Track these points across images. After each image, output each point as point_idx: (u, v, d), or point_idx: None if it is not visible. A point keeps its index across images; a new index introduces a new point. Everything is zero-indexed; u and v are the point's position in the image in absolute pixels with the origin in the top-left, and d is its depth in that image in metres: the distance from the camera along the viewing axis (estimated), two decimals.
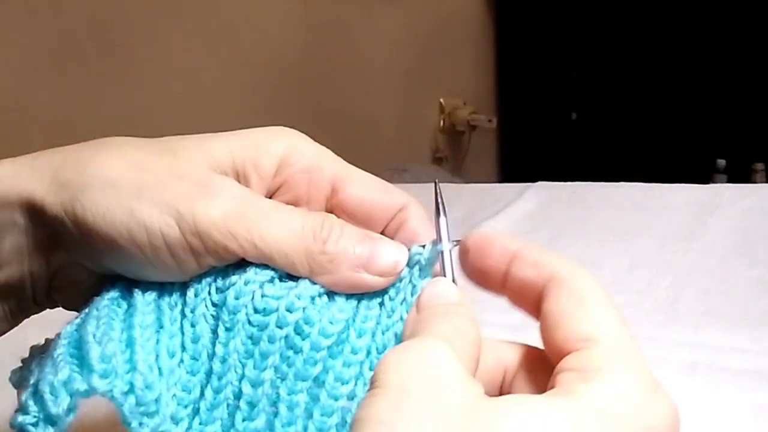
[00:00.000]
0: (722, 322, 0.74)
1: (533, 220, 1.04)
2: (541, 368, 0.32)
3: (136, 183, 0.34)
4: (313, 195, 0.38)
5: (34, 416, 0.32)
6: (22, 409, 0.33)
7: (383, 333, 0.34)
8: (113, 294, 0.36)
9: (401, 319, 0.35)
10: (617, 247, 0.93)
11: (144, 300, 0.35)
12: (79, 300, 0.37)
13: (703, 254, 0.89)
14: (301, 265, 0.34)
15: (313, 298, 0.34)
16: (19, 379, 0.38)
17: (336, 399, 0.33)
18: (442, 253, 0.35)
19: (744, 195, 1.04)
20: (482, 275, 0.34)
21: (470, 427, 0.26)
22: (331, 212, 0.38)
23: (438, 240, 0.36)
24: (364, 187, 0.39)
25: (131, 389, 0.32)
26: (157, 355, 0.34)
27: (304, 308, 0.34)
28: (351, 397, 0.33)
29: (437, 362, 0.28)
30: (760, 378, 0.64)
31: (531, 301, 0.33)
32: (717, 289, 0.81)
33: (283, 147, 0.38)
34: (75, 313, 0.37)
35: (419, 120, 2.54)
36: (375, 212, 0.38)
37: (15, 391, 0.74)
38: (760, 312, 0.76)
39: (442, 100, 2.59)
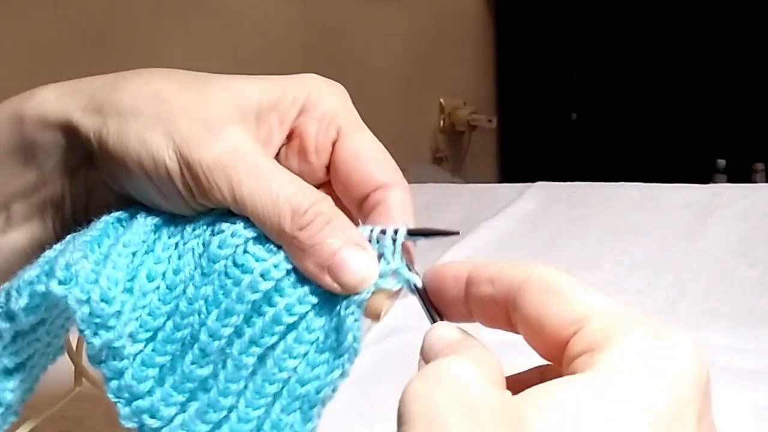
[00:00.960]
0: (722, 322, 0.74)
1: (533, 220, 1.04)
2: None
3: (154, 113, 0.35)
4: (321, 143, 0.38)
5: (1, 307, 0.35)
6: None
7: (337, 321, 0.34)
8: (119, 214, 0.37)
9: (356, 318, 0.34)
10: (617, 247, 0.93)
11: (142, 222, 0.36)
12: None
13: (703, 254, 0.89)
14: (272, 237, 0.34)
15: (289, 272, 0.34)
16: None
17: (281, 370, 0.34)
18: (421, 296, 0.35)
19: (744, 195, 1.04)
20: (448, 310, 0.34)
21: (507, 425, 0.25)
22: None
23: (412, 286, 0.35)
24: (356, 150, 0.38)
25: (87, 300, 0.33)
26: (135, 275, 0.35)
27: (278, 280, 0.34)
28: (293, 370, 0.34)
29: (457, 377, 0.27)
30: (760, 378, 0.64)
31: (501, 316, 0.32)
32: (717, 289, 0.81)
33: (306, 94, 0.38)
34: None
35: (419, 120, 2.54)
36: (354, 179, 0.38)
37: None
38: (760, 312, 0.76)
39: (442, 100, 2.59)
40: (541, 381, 0.32)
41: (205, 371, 0.34)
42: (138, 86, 0.36)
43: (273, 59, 1.95)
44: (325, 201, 0.35)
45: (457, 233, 0.37)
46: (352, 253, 0.34)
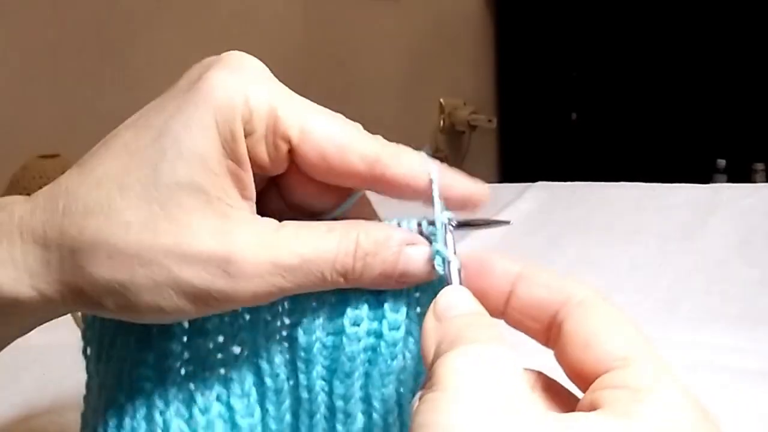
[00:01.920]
0: (722, 322, 0.74)
1: (533, 220, 1.04)
2: (552, 391, 0.32)
3: (151, 281, 0.33)
4: (273, 157, 0.34)
5: None
6: None
7: (429, 298, 0.35)
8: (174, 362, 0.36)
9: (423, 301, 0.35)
10: (617, 247, 0.93)
11: (202, 364, 0.36)
12: None
13: (703, 254, 0.89)
14: (335, 285, 0.34)
15: (368, 301, 0.35)
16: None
17: (419, 375, 0.35)
18: (448, 263, 0.34)
19: (744, 195, 1.05)
20: (482, 299, 0.33)
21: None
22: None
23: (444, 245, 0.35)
24: (322, 145, 0.34)
25: None
26: (231, 409, 0.36)
27: (366, 315, 0.35)
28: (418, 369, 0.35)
29: (508, 371, 0.28)
30: (760, 378, 0.64)
31: (541, 321, 0.32)
32: (717, 289, 0.81)
33: (242, 118, 0.33)
34: None
35: (419, 120, 2.54)
36: (337, 172, 0.35)
37: (13, 392, 0.74)
38: (760, 311, 0.76)
39: (442, 100, 2.59)
40: (533, 385, 0.33)
41: (358, 424, 0.35)
42: (105, 258, 0.33)
43: (273, 59, 1.94)
44: (360, 233, 0.34)
45: (508, 222, 0.37)
46: (408, 257, 0.35)
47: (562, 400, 0.32)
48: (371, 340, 0.35)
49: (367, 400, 0.35)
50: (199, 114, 0.34)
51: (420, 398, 0.28)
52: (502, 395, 0.27)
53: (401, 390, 0.35)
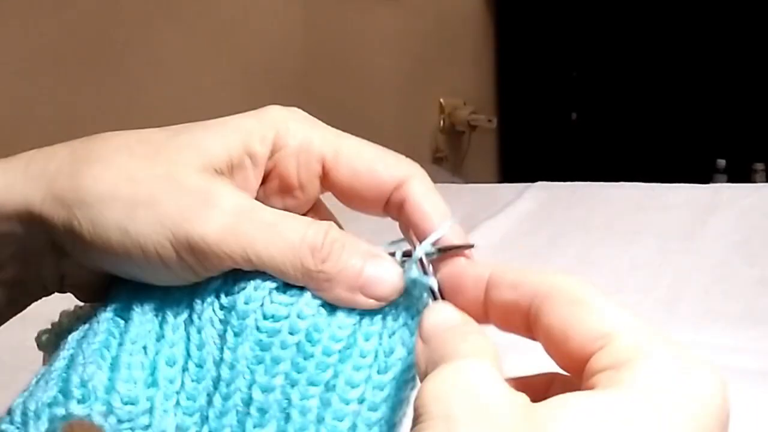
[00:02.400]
0: (722, 322, 0.74)
1: (533, 220, 1.04)
2: (569, 390, 0.32)
3: (130, 199, 0.33)
4: (304, 177, 0.37)
5: (17, 428, 0.33)
6: (9, 415, 0.34)
7: (390, 336, 0.34)
8: (114, 306, 0.36)
9: (405, 324, 0.34)
10: (617, 247, 0.93)
11: (142, 312, 0.35)
12: (93, 295, 0.38)
13: (703, 254, 0.90)
14: (296, 281, 0.34)
15: (320, 305, 0.34)
16: (46, 342, 0.39)
17: (347, 403, 0.33)
18: (430, 288, 0.34)
19: (744, 195, 1.05)
20: (465, 311, 0.33)
21: (528, 427, 0.25)
22: (329, 190, 0.37)
23: (423, 269, 0.35)
24: (354, 163, 0.37)
25: (110, 409, 0.32)
26: (155, 367, 0.34)
27: (312, 315, 0.34)
28: (361, 401, 0.33)
29: (477, 381, 0.27)
30: (760, 378, 0.64)
31: (519, 322, 0.32)
32: (717, 289, 0.82)
33: (274, 130, 0.36)
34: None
35: (419, 120, 2.54)
36: (366, 192, 0.37)
37: (14, 392, 0.74)
38: (760, 311, 0.76)
39: (442, 100, 2.59)
40: (550, 387, 0.33)
41: (270, 429, 0.33)
42: (103, 170, 0.34)
43: (273, 60, 1.95)
44: (332, 227, 0.35)
45: (472, 246, 0.36)
46: (376, 266, 0.34)
47: None
48: (307, 341, 0.34)
49: (285, 405, 0.33)
50: (238, 119, 0.37)
51: None
52: (475, 409, 0.26)
53: (326, 410, 0.33)
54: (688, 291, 0.81)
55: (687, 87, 2.41)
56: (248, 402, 0.33)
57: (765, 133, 2.35)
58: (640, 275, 0.86)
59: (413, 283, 0.35)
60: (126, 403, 0.32)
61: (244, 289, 0.34)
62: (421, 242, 0.35)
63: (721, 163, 2.38)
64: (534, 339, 0.32)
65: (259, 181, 0.37)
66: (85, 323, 0.37)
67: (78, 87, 1.51)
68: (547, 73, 2.62)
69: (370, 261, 0.34)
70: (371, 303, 0.34)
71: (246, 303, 0.34)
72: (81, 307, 0.39)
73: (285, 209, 0.37)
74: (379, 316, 0.34)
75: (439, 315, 0.32)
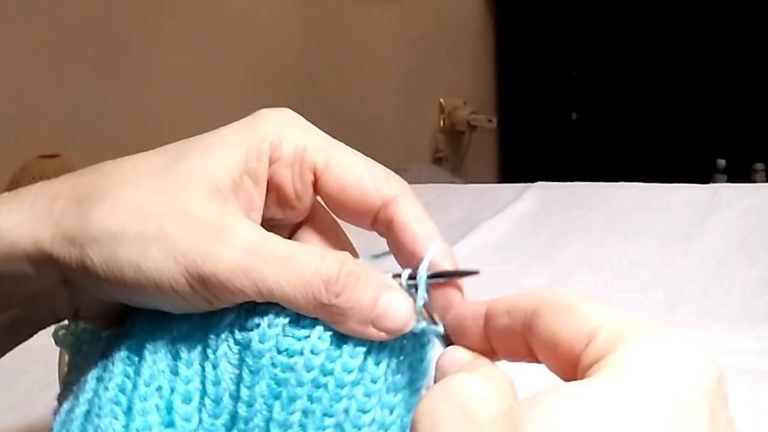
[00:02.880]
0: (722, 322, 0.74)
1: (533, 220, 1.04)
2: None
3: (141, 235, 0.33)
4: (299, 187, 0.37)
5: None
6: None
7: (397, 359, 0.35)
8: (128, 344, 0.36)
9: (413, 350, 0.35)
10: (617, 247, 0.93)
11: (154, 350, 0.35)
12: (110, 323, 0.38)
13: (703, 254, 0.89)
14: (309, 313, 0.34)
15: (332, 336, 0.34)
16: (63, 339, 0.39)
17: (359, 429, 0.34)
18: (438, 334, 0.35)
19: (744, 195, 1.05)
20: (470, 347, 0.34)
21: (504, 425, 0.26)
22: (318, 196, 0.37)
23: (429, 318, 0.35)
24: (343, 176, 0.37)
25: None
26: (170, 407, 0.34)
27: (326, 349, 0.34)
28: (371, 423, 0.34)
29: (461, 389, 0.28)
30: (760, 378, 0.64)
31: (520, 347, 0.32)
32: (717, 289, 0.81)
33: (268, 142, 0.36)
34: None
35: (419, 120, 2.54)
36: (354, 206, 0.37)
37: (13, 392, 0.74)
38: (760, 311, 0.76)
39: (442, 100, 2.59)
40: None
41: None
42: (111, 207, 0.34)
43: (274, 60, 1.95)
44: (348, 259, 0.34)
45: (476, 273, 0.36)
46: (390, 299, 0.34)
47: None
48: (321, 374, 0.34)
49: None
50: (235, 134, 0.36)
51: None
52: (459, 415, 0.27)
53: None
54: (688, 291, 0.81)
55: (687, 87, 2.41)
56: None
57: (765, 133, 2.35)
58: (639, 275, 0.86)
59: (422, 323, 0.35)
60: None
61: (258, 325, 0.34)
62: (414, 271, 0.35)
63: (721, 163, 2.38)
64: (538, 361, 0.32)
65: (263, 198, 0.37)
66: (99, 329, 0.37)
67: (78, 87, 1.51)
68: (547, 73, 2.62)
69: (384, 295, 0.34)
70: (382, 336, 0.34)
71: (261, 342, 0.34)
72: None
73: (285, 219, 0.38)
74: (387, 344, 0.35)
75: (451, 357, 0.33)
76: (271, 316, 0.34)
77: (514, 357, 0.33)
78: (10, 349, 0.40)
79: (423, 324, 0.35)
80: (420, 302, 0.35)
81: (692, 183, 1.12)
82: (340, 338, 0.34)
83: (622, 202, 1.07)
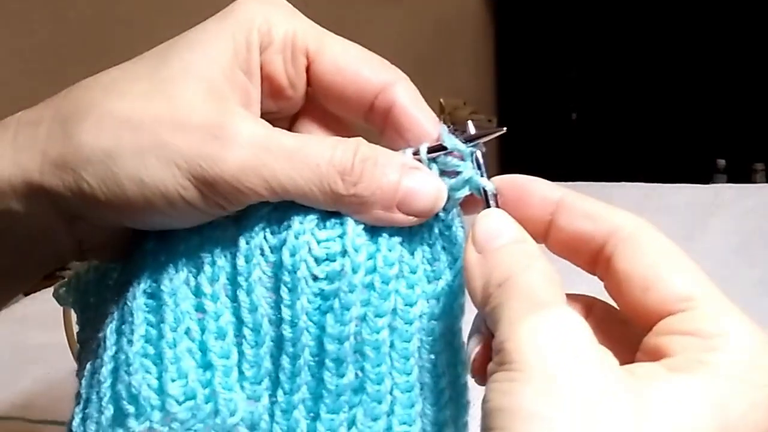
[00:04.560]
0: None
1: None
2: (609, 319, 0.31)
3: (137, 147, 0.30)
4: (292, 74, 0.34)
5: None
6: None
7: (430, 247, 0.33)
8: (142, 288, 0.33)
9: (440, 232, 0.33)
10: None
11: (173, 290, 0.33)
12: (115, 253, 0.35)
13: (704, 254, 0.89)
14: (327, 207, 0.31)
15: (363, 234, 0.32)
16: (65, 295, 0.38)
17: (411, 323, 0.31)
18: (484, 190, 0.32)
19: (745, 195, 1.04)
20: (523, 225, 0.31)
21: (622, 414, 0.25)
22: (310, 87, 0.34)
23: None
24: (338, 59, 0.34)
25: (168, 414, 0.30)
26: (205, 348, 0.32)
27: (364, 243, 0.31)
28: (420, 316, 0.32)
29: (576, 340, 0.26)
30: None
31: (585, 255, 0.31)
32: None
33: (255, 31, 0.33)
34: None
35: None
36: (349, 91, 0.34)
37: (13, 392, 0.74)
38: (761, 312, 0.76)
39: (442, 100, 2.59)
40: (590, 312, 0.31)
41: (350, 376, 0.31)
42: (98, 123, 0.31)
43: None
44: (361, 144, 0.32)
45: (504, 130, 0.35)
46: (413, 179, 0.32)
47: (620, 332, 0.30)
48: (367, 273, 0.31)
49: (358, 346, 0.31)
50: (218, 26, 0.34)
51: (492, 376, 0.26)
52: (575, 372, 0.25)
53: (394, 336, 0.31)
54: None
55: (687, 87, 2.40)
56: (320, 354, 0.31)
57: (765, 133, 2.35)
58: None
59: (463, 183, 0.32)
60: (184, 401, 0.30)
61: (285, 241, 0.31)
62: (435, 143, 0.33)
63: (721, 163, 2.38)
64: (593, 273, 0.31)
65: (260, 91, 0.34)
66: (104, 277, 0.35)
67: None
68: (547, 73, 2.62)
69: (407, 174, 0.32)
70: (411, 220, 0.32)
71: (292, 255, 0.31)
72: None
73: (280, 111, 0.35)
74: (417, 228, 0.32)
75: (495, 224, 0.30)
76: (295, 224, 0.32)
77: (565, 256, 0.32)
78: (12, 297, 0.37)
79: (470, 178, 0.32)
80: (469, 151, 0.32)
81: (692, 183, 1.12)
82: (373, 231, 0.32)
83: (623, 202, 1.06)
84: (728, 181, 2.10)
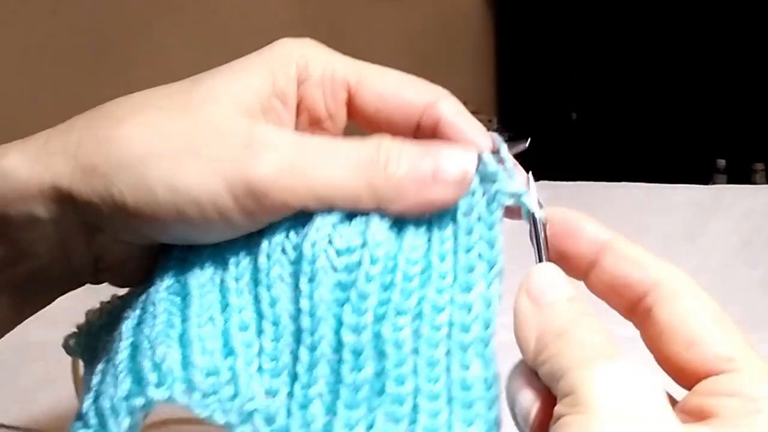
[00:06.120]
0: None
1: None
2: None
3: (172, 152, 0.31)
4: (332, 106, 0.35)
5: (95, 430, 0.31)
6: (82, 419, 0.31)
7: (466, 252, 0.32)
8: (165, 285, 0.33)
9: (480, 237, 0.33)
10: None
11: (199, 284, 0.33)
12: (131, 276, 0.35)
13: (705, 255, 0.89)
14: (367, 199, 0.31)
15: (389, 229, 0.32)
16: (75, 346, 0.37)
17: (437, 329, 0.31)
18: (534, 222, 0.33)
19: (746, 196, 1.04)
20: (565, 260, 0.32)
21: None
22: (354, 119, 0.36)
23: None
24: (380, 86, 0.35)
25: (191, 385, 0.30)
26: (228, 336, 0.32)
27: (386, 239, 0.32)
28: (450, 324, 0.31)
29: (650, 393, 0.26)
30: None
31: (625, 300, 0.31)
32: (718, 290, 0.80)
33: (293, 65, 0.35)
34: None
35: None
36: (394, 115, 0.35)
37: (13, 391, 0.74)
38: (762, 313, 0.76)
39: None
40: None
41: (369, 370, 0.30)
42: (132, 131, 0.31)
43: None
44: (382, 136, 0.33)
45: (526, 145, 0.36)
46: (440, 151, 0.32)
47: None
48: (387, 268, 0.31)
49: (378, 342, 0.31)
50: (257, 59, 0.35)
51: (563, 419, 0.26)
52: (651, 422, 0.26)
53: (418, 340, 0.31)
54: None
55: (687, 87, 2.40)
56: (338, 347, 0.31)
57: (765, 133, 2.35)
58: None
59: (510, 196, 0.33)
60: (208, 375, 0.30)
61: (307, 234, 0.32)
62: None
63: (721, 163, 2.38)
64: (628, 319, 0.31)
65: (293, 120, 0.35)
66: (125, 311, 0.34)
67: (78, 87, 1.51)
68: (547, 74, 2.62)
69: (432, 152, 0.32)
70: (449, 193, 0.32)
71: (313, 245, 0.31)
72: (108, 302, 0.37)
73: None
74: (450, 232, 0.32)
75: (551, 279, 0.30)
76: (317, 221, 0.32)
77: (604, 298, 0.32)
78: (23, 319, 0.36)
79: (507, 187, 0.32)
80: (528, 204, 0.32)
81: (692, 183, 1.12)
82: (398, 230, 0.32)
83: (625, 202, 1.06)
84: (728, 181, 2.10)
